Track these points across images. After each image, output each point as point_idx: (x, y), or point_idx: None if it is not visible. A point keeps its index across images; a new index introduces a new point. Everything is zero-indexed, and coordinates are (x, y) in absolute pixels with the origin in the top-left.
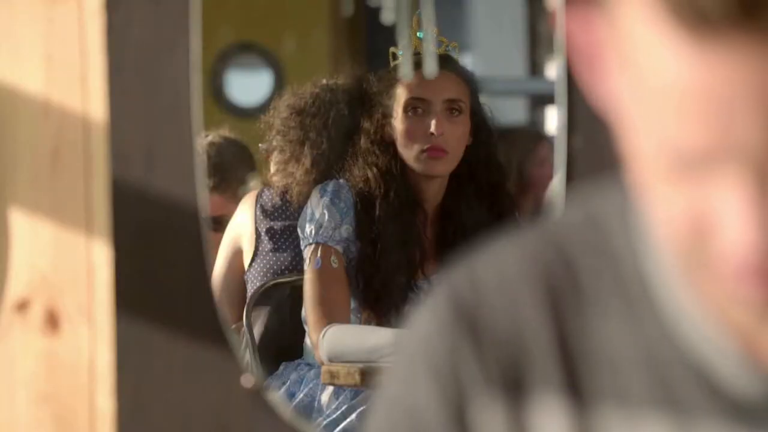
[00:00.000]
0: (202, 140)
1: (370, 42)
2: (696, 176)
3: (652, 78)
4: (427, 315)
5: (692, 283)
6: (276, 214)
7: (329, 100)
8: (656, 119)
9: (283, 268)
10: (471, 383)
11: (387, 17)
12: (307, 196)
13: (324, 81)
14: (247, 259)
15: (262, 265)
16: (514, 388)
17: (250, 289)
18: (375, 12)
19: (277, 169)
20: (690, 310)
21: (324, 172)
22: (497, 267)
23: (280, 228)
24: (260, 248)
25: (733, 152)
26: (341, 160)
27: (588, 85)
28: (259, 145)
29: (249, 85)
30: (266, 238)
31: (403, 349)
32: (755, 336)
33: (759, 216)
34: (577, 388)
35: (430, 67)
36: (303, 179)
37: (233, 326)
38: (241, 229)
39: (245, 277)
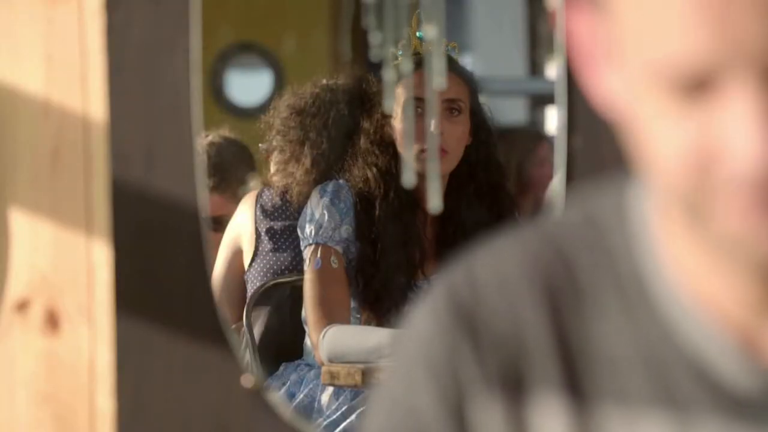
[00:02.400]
0: (202, 140)
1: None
2: (700, 99)
3: None
4: (426, 315)
5: (695, 233)
6: (276, 214)
7: (329, 100)
8: (657, 34)
9: (283, 268)
10: (471, 383)
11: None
12: (307, 196)
13: (324, 81)
14: (247, 259)
15: (262, 265)
16: (514, 388)
17: (250, 289)
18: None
19: (277, 169)
20: (689, 308)
21: (324, 172)
22: (496, 267)
23: (280, 228)
24: (260, 248)
25: (735, 57)
26: (341, 160)
27: (587, 72)
28: (260, 145)
29: (249, 85)
30: (266, 238)
31: (402, 350)
32: (753, 331)
33: (766, 126)
34: (576, 387)
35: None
36: (303, 179)
37: (233, 326)
38: (241, 229)
39: (245, 277)
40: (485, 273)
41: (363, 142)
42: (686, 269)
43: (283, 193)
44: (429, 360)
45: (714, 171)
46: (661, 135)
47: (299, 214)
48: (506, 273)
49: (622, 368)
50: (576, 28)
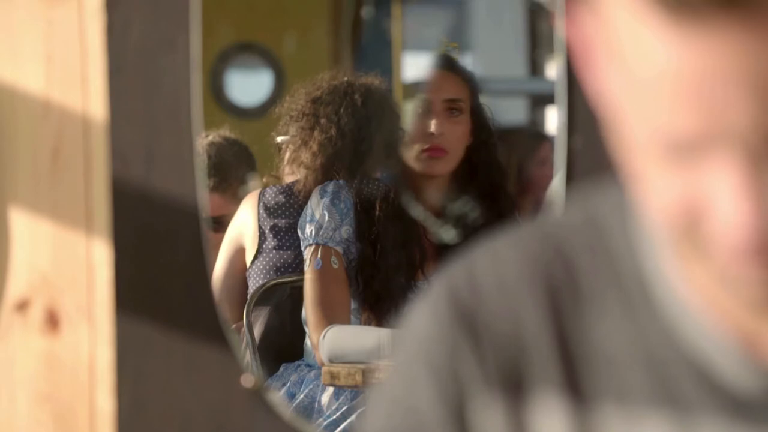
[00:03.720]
0: (202, 140)
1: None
2: (688, 161)
3: (641, 67)
4: (427, 315)
5: (686, 269)
6: (280, 211)
7: (344, 91)
8: (647, 107)
9: (286, 265)
10: (471, 383)
11: None
12: (314, 182)
13: (345, 77)
14: (249, 257)
15: (265, 262)
16: (514, 388)
17: (252, 286)
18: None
19: (290, 159)
20: (689, 308)
21: (331, 157)
22: (496, 267)
23: (285, 225)
24: (263, 246)
25: (723, 136)
26: (349, 149)
27: (585, 80)
28: (277, 138)
29: (249, 85)
30: (270, 235)
31: (402, 350)
32: (754, 332)
33: (751, 197)
34: (577, 388)
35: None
36: (310, 164)
37: (233, 326)
38: (243, 228)
39: (247, 274)
40: (485, 273)
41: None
42: (687, 269)
43: (290, 189)
44: (429, 360)
45: (703, 224)
46: (652, 184)
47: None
48: (506, 273)
49: (623, 368)
50: (576, 28)
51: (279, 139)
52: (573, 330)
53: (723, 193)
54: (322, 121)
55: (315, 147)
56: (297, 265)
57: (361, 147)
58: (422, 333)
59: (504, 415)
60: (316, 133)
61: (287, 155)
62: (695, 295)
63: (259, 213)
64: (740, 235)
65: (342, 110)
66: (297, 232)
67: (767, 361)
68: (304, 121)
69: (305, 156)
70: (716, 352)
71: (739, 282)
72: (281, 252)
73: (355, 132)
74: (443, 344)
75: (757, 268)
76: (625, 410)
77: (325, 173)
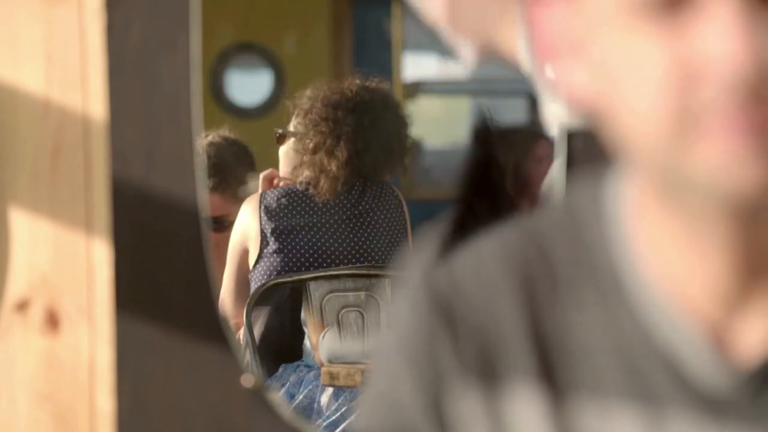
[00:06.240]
0: (202, 140)
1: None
2: (675, 17)
3: None
4: (406, 309)
5: (661, 228)
6: (282, 214)
7: (367, 100)
8: None
9: (287, 269)
10: (448, 373)
11: None
12: (334, 189)
13: (358, 81)
14: (252, 260)
15: (266, 266)
16: (490, 378)
17: (253, 289)
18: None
19: (306, 161)
20: (661, 302)
21: (356, 169)
22: (474, 259)
23: (287, 228)
24: (265, 250)
25: None
26: (371, 156)
27: (551, 67)
28: (276, 129)
29: (249, 85)
30: (272, 238)
31: (384, 345)
32: (724, 328)
33: (743, 33)
34: (552, 378)
35: None
36: (336, 173)
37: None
38: (247, 230)
39: (249, 276)
40: (463, 265)
41: None
42: (660, 261)
43: (294, 191)
44: (408, 351)
45: (698, 90)
46: (640, 63)
47: (309, 211)
48: (484, 265)
49: (596, 360)
50: (539, 22)
51: (278, 129)
52: (549, 321)
53: (718, 35)
54: (347, 129)
55: (343, 157)
56: (299, 268)
57: (379, 155)
58: (401, 325)
59: (481, 404)
60: (342, 142)
61: (303, 157)
62: (668, 288)
63: (260, 216)
64: (732, 67)
65: (366, 120)
66: (300, 235)
67: (736, 358)
68: (323, 126)
69: (332, 165)
70: (686, 347)
71: (723, 174)
72: (282, 255)
73: (376, 141)
74: (422, 335)
75: (750, 140)
76: (598, 402)
77: (345, 181)
